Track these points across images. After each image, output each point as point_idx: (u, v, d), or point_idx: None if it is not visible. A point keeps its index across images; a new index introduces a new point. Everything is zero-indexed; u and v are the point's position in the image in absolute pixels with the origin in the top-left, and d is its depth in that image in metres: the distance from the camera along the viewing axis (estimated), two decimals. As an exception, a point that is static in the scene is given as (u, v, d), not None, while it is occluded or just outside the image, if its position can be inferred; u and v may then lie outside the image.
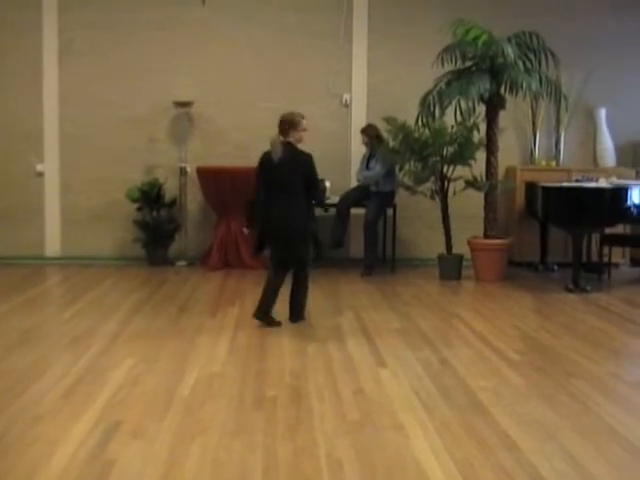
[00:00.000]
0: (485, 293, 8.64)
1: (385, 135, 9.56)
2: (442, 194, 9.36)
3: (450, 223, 9.41)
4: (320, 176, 9.66)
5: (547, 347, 6.35)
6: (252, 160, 9.82)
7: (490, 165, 9.29)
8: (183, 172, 10.09)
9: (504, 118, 9.46)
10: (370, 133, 9.64)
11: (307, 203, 6.76)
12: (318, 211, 9.36)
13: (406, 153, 9.28)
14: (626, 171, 10.12)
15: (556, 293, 8.53)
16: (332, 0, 10.22)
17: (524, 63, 9.08)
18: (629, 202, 8.65)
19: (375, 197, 9.58)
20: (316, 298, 8.09)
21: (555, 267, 9.87)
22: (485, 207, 9.37)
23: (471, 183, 9.27)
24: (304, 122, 6.68)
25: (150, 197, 9.90)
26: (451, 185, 9.36)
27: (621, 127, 10.36)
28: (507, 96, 9.20)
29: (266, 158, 6.74)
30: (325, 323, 7.02)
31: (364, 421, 4.53)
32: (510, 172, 10.28)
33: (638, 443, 4.24)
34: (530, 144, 10.44)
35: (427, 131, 9.15)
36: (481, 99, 9.03)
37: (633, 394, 5.19)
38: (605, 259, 9.48)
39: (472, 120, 9.10)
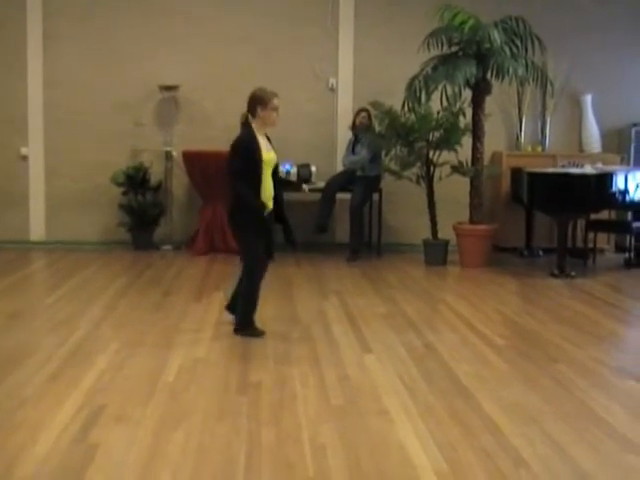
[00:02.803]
0: (470, 278, 8.67)
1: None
2: (428, 179, 9.37)
3: (436, 208, 9.42)
4: (306, 161, 9.79)
5: (531, 332, 6.37)
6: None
7: (476, 150, 9.29)
8: (169, 156, 10.06)
9: (490, 103, 9.45)
10: (370, 113, 9.60)
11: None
12: (304, 195, 9.39)
13: (392, 138, 9.27)
14: (611, 157, 10.13)
15: (541, 278, 8.56)
16: (319, -16, 10.21)
17: (510, 49, 9.05)
18: (614, 188, 8.68)
19: (361, 182, 9.58)
20: (301, 283, 8.11)
21: (540, 252, 9.90)
22: (471, 192, 9.37)
23: (457, 168, 9.27)
24: (275, 101, 5.85)
25: (135, 181, 9.87)
26: (437, 170, 9.37)
27: (607, 113, 10.38)
28: (493, 81, 9.20)
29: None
30: (310, 308, 7.02)
31: (348, 406, 4.54)
32: (496, 157, 10.29)
33: (620, 428, 4.27)
34: (516, 130, 10.45)
35: (413, 116, 9.14)
36: (467, 84, 9.03)
37: (616, 379, 5.22)
38: (590, 245, 9.52)
39: (458, 105, 9.09)
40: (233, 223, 6.01)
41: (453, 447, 3.96)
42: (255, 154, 5.81)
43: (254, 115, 5.87)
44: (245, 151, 5.82)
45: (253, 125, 5.89)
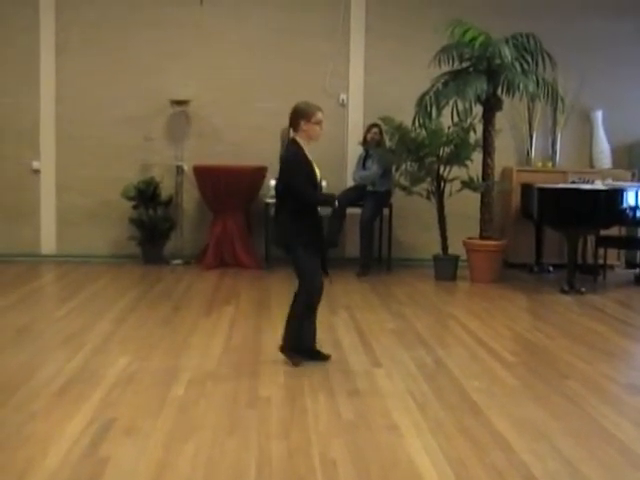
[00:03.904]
0: (480, 294, 8.65)
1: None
2: (438, 195, 9.37)
3: (446, 224, 9.42)
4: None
5: (541, 348, 6.35)
6: (248, 159, 9.91)
7: (486, 166, 9.30)
8: (179, 171, 10.09)
9: (500, 119, 9.46)
10: (381, 129, 9.62)
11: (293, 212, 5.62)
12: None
13: (402, 153, 9.29)
14: (622, 173, 10.12)
15: (551, 294, 8.54)
16: (329, 0, 10.23)
17: (521, 65, 9.08)
18: (624, 204, 8.67)
19: (371, 197, 9.59)
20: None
21: (550, 268, 9.88)
22: (481, 208, 9.37)
23: (467, 184, 9.27)
24: (319, 114, 5.54)
25: (146, 195, 9.89)
26: (447, 186, 9.37)
27: (617, 129, 10.37)
28: (504, 97, 9.21)
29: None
30: (319, 323, 6.98)
31: (358, 421, 4.53)
32: (506, 173, 10.29)
33: (630, 445, 4.26)
34: (526, 145, 10.45)
35: (424, 131, 9.15)
36: (478, 100, 9.03)
37: (626, 396, 5.20)
38: (600, 261, 9.49)
39: (469, 121, 9.10)
40: (289, 246, 5.73)
41: (463, 463, 3.95)
42: (309, 171, 5.60)
43: (297, 129, 5.56)
44: (302, 167, 5.57)
45: (299, 140, 5.60)
